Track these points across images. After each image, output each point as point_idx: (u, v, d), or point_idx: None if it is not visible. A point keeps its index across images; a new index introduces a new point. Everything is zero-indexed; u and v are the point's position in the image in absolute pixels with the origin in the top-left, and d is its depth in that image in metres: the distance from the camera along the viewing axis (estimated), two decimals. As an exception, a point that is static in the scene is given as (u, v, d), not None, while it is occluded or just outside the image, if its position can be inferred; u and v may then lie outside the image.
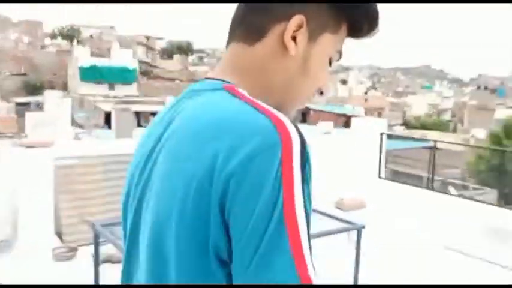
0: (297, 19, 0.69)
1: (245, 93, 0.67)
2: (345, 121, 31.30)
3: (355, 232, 3.17)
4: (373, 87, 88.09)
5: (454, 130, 47.48)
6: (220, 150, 0.57)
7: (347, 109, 37.81)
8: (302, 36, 0.70)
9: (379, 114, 47.06)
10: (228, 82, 0.70)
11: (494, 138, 21.27)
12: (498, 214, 6.22)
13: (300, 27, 0.70)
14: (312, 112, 38.62)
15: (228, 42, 0.76)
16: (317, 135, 6.22)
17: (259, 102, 0.63)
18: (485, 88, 61.57)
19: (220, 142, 0.58)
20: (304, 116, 40.14)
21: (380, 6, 0.74)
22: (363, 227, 3.18)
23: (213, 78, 0.72)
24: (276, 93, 0.73)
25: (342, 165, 5.87)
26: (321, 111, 36.09)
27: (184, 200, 0.59)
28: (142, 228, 0.69)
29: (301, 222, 0.55)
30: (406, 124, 50.05)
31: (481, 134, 29.67)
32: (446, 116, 64.43)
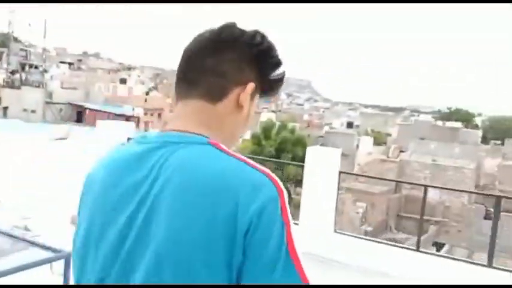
0: (251, 86, 0.91)
1: (226, 148, 0.85)
2: (125, 121, 30.54)
3: (61, 262, 2.66)
4: (156, 88, 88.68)
5: (228, 131, 51.71)
6: (239, 202, 0.76)
7: (126, 109, 36.86)
8: (249, 97, 0.92)
9: (159, 115, 47.56)
10: (205, 136, 0.86)
11: (255, 139, 24.00)
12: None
13: (250, 91, 0.91)
14: (88, 111, 36.42)
15: (184, 98, 0.91)
16: (51, 141, 5.44)
17: (246, 158, 0.84)
18: (254, 93, 68.77)
19: (237, 196, 0.77)
20: (80, 115, 37.60)
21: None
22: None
23: (186, 131, 0.87)
24: (226, 137, 0.92)
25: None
26: (98, 110, 34.32)
27: (209, 238, 0.76)
28: (141, 260, 0.79)
29: (298, 250, 0.78)
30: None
31: (247, 134, 33.04)
32: (223, 118, 69.44)
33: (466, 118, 58.29)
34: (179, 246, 0.76)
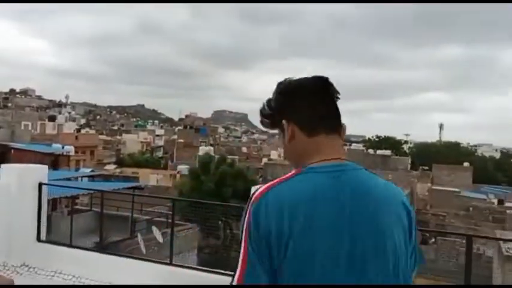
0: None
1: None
2: (53, 160, 28.66)
3: None
4: (88, 125, 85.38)
5: (165, 167, 50.29)
6: (407, 208, 1.22)
7: (55, 148, 34.83)
8: None
9: (92, 153, 45.51)
10: (353, 162, 1.24)
11: (194, 174, 23.23)
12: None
13: None
14: (13, 151, 34.04)
15: (328, 133, 1.25)
16: None
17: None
18: (191, 127, 68.31)
19: (404, 203, 1.22)
20: (4, 156, 35.04)
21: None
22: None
23: (344, 159, 1.24)
24: None
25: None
26: (24, 150, 32.13)
27: (403, 235, 1.19)
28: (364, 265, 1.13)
29: None
30: (119, 163, 49.86)
31: (185, 170, 32.29)
32: (160, 153, 68.02)
33: (394, 146, 61.25)
34: (394, 246, 1.15)
